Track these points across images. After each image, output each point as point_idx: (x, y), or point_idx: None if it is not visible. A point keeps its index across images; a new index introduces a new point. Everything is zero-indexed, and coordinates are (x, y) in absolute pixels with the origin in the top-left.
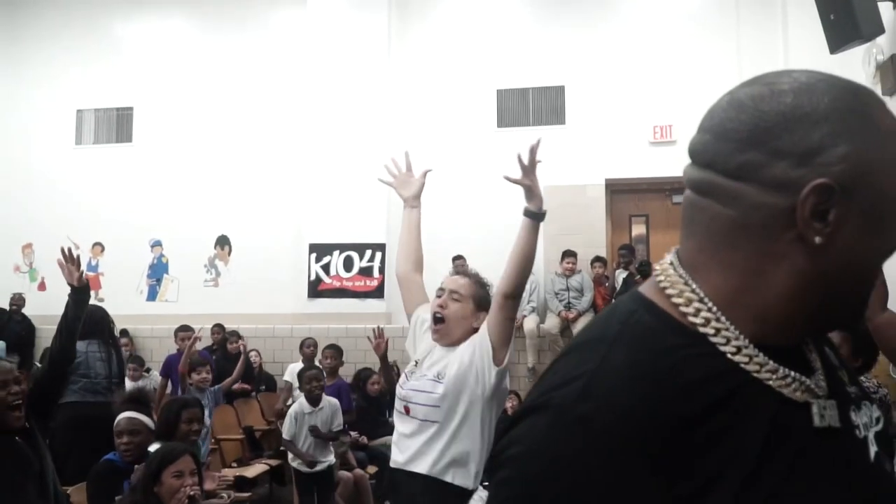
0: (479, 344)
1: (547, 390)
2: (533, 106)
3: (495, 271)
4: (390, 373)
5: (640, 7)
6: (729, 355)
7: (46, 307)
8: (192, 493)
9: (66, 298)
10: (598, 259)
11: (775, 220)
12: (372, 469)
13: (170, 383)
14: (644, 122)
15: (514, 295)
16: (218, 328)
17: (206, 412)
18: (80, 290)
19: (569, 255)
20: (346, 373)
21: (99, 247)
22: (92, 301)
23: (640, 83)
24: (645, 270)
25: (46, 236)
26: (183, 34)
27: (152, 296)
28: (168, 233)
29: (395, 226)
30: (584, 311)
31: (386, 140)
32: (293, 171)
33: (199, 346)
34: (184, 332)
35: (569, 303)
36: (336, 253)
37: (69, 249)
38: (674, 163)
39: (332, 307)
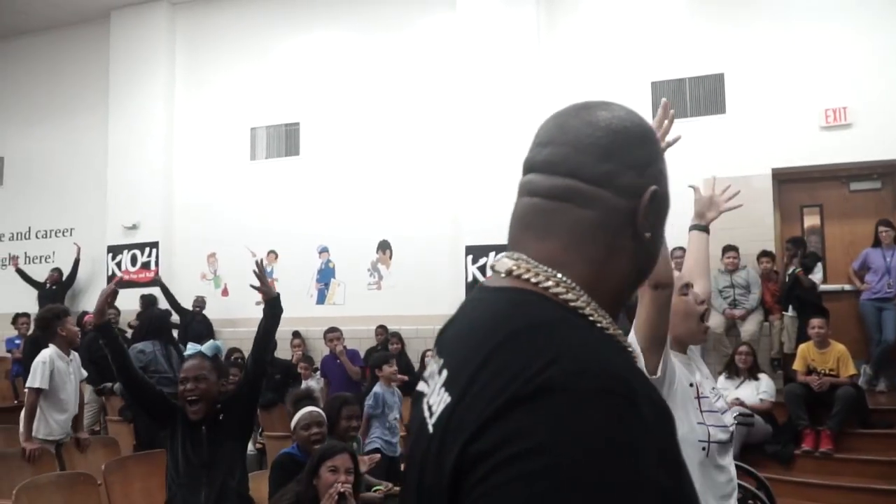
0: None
1: (522, 379)
2: (690, 96)
3: None
4: None
5: None
6: (608, 331)
7: (228, 311)
8: (342, 489)
9: (246, 304)
10: (764, 253)
11: (622, 219)
12: None
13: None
14: (814, 105)
15: (665, 284)
16: (381, 329)
17: (398, 401)
18: (268, 304)
19: (729, 249)
20: None
21: (273, 254)
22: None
23: (807, 65)
24: (808, 264)
25: (227, 246)
26: (339, 48)
27: (321, 299)
28: (334, 239)
29: None
30: (753, 308)
31: None
32: (449, 174)
33: (361, 347)
34: (332, 332)
35: (734, 300)
36: (492, 254)
37: (257, 267)
38: (850, 147)
39: None
